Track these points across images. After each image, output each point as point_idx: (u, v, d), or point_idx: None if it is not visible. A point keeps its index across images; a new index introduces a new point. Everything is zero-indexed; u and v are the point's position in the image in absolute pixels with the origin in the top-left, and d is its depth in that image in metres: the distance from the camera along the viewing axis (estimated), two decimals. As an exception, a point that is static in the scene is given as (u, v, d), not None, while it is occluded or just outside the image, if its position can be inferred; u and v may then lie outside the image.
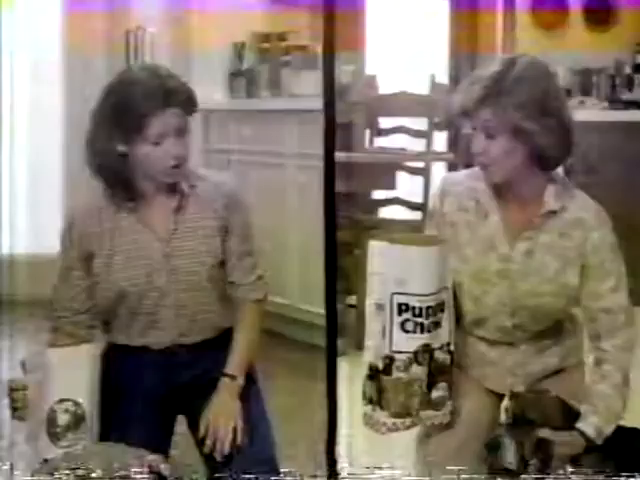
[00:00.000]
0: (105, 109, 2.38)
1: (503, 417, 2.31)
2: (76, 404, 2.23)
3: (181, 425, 2.61)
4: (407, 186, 5.28)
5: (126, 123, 2.34)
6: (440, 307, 2.28)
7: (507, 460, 2.22)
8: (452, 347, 2.31)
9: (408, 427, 2.31)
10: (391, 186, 5.13)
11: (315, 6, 5.29)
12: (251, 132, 5.15)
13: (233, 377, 2.48)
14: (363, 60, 6.32)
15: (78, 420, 2.23)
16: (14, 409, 2.25)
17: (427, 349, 2.26)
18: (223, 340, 2.53)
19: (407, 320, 2.25)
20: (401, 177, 5.14)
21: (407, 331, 2.25)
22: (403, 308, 2.24)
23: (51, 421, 2.21)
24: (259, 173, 4.88)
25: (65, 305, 2.50)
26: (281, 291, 4.72)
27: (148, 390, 2.50)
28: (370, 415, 2.29)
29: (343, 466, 2.82)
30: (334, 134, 2.76)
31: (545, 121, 2.23)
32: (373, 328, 2.28)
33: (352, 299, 4.80)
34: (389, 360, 2.25)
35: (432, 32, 7.05)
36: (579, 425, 2.25)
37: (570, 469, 2.26)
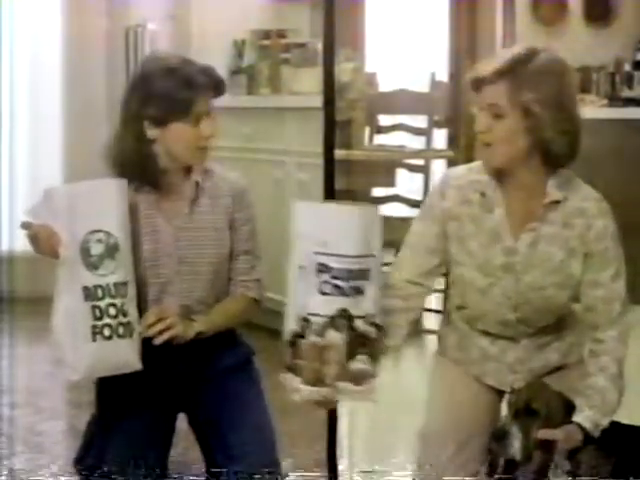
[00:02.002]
0: (139, 97, 2.44)
1: (506, 409, 2.31)
2: (108, 234, 2.32)
3: (182, 422, 2.62)
4: (407, 183, 5.29)
5: (168, 107, 2.42)
6: (363, 273, 2.19)
7: (513, 450, 2.22)
8: (378, 320, 2.21)
9: (325, 397, 2.21)
10: (391, 183, 5.13)
11: (315, 3, 5.29)
12: (251, 129, 5.15)
13: (192, 320, 2.47)
14: (363, 58, 6.32)
15: (111, 249, 2.33)
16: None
17: (345, 315, 2.18)
18: (222, 337, 2.53)
19: (325, 282, 2.18)
20: (401, 174, 5.15)
21: (324, 293, 2.18)
22: (322, 269, 2.18)
23: (86, 251, 2.31)
24: (259, 170, 4.88)
25: None
26: (281, 288, 4.71)
27: (148, 385, 2.50)
28: (287, 381, 2.22)
29: (343, 463, 2.83)
30: (334, 131, 2.76)
31: (556, 116, 2.24)
32: (295, 292, 2.23)
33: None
34: (305, 322, 2.19)
35: (432, 29, 7.05)
36: (576, 418, 2.25)
37: (567, 466, 2.26)
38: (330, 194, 2.75)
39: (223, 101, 5.10)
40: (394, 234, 5.18)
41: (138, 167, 2.46)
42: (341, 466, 2.79)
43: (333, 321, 2.17)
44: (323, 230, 2.20)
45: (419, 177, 5.04)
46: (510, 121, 2.24)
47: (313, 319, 2.18)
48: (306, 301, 2.20)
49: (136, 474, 2.44)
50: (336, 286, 2.18)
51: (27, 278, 5.35)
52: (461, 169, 2.45)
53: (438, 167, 5.23)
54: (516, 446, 2.22)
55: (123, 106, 2.49)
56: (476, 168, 2.38)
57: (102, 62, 5.67)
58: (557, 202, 2.31)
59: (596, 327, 2.33)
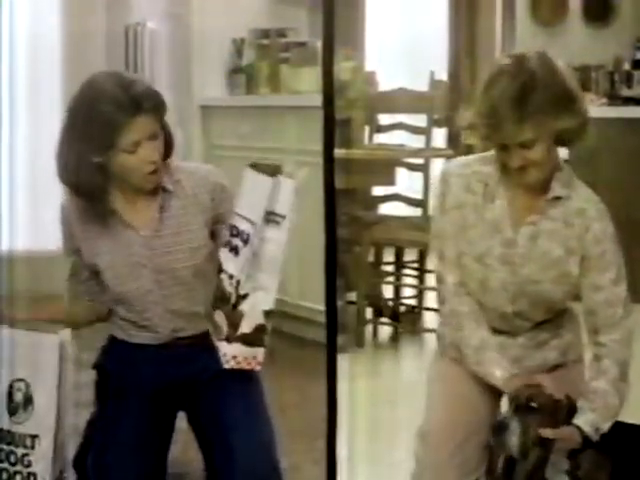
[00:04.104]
0: (75, 124, 2.40)
1: (507, 405, 2.31)
2: (27, 386, 2.40)
3: (182, 421, 2.62)
4: (406, 182, 5.29)
5: (99, 136, 2.34)
6: (241, 235, 2.28)
7: (511, 443, 2.22)
8: (242, 290, 2.28)
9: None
10: (391, 182, 5.13)
11: (314, 2, 5.29)
12: (250, 128, 5.14)
13: None
14: (362, 57, 6.32)
15: (27, 401, 2.40)
16: None
17: (217, 263, 2.33)
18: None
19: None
20: (400, 173, 5.15)
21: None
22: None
23: (9, 396, 2.41)
24: (258, 169, 4.87)
25: (81, 294, 2.57)
26: (281, 288, 4.70)
27: (147, 385, 2.50)
28: None
29: (343, 462, 2.83)
30: (333, 131, 2.75)
31: (572, 110, 2.25)
32: None
33: (352, 296, 4.81)
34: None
35: (431, 28, 7.05)
36: (576, 421, 2.26)
37: (567, 465, 2.26)
38: (330, 193, 2.74)
39: (223, 100, 5.06)
40: (394, 233, 5.20)
41: (93, 197, 2.43)
42: (340, 464, 2.78)
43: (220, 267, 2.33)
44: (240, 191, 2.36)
45: (419, 176, 5.03)
46: (541, 146, 2.24)
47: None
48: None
49: (135, 473, 2.44)
50: (225, 233, 2.34)
51: (27, 277, 5.34)
52: (465, 159, 2.45)
53: (438, 166, 5.23)
54: (514, 441, 2.22)
55: (64, 130, 2.43)
56: (480, 159, 2.38)
57: (102, 60, 5.66)
58: (559, 198, 2.32)
59: (597, 331, 2.33)
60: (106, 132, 2.33)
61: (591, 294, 2.33)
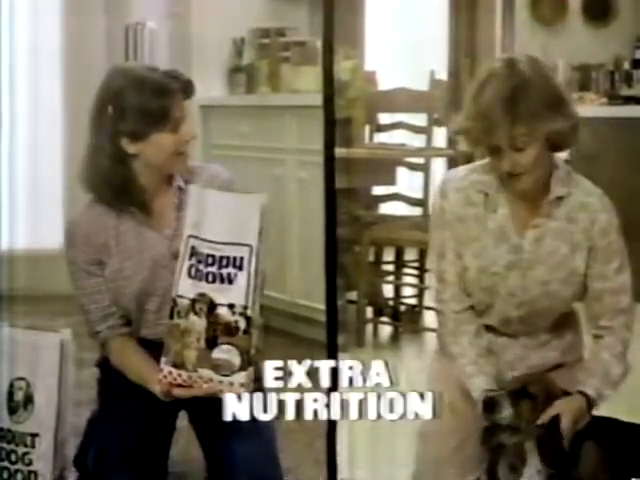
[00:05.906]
0: (113, 114, 2.40)
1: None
2: (28, 385, 2.41)
3: (182, 420, 2.62)
4: (407, 182, 5.29)
5: (147, 119, 2.37)
6: (232, 262, 2.21)
7: (501, 414, 2.21)
8: (250, 312, 2.21)
9: (186, 382, 2.24)
10: (391, 182, 5.13)
11: (314, 1, 5.29)
12: (251, 128, 5.15)
13: None
14: (362, 56, 6.32)
15: (27, 400, 2.41)
16: None
17: (204, 299, 2.22)
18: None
19: (192, 265, 2.24)
20: (401, 173, 5.15)
21: (191, 277, 2.23)
22: (192, 252, 2.24)
23: (10, 395, 2.42)
24: (259, 169, 4.88)
25: (101, 317, 2.50)
26: (281, 287, 4.72)
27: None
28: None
29: (343, 463, 2.83)
30: (334, 130, 2.75)
31: (563, 113, 2.24)
32: (175, 273, 2.28)
33: (352, 295, 4.81)
34: (173, 303, 2.24)
35: (431, 27, 7.05)
36: (579, 387, 2.27)
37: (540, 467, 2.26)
38: (330, 192, 2.74)
39: (223, 99, 5.06)
40: (394, 232, 5.20)
41: (120, 189, 2.43)
42: (340, 465, 2.78)
43: (193, 304, 2.21)
44: (199, 214, 2.26)
45: (419, 175, 5.03)
46: (534, 149, 2.23)
47: (179, 301, 2.24)
48: (177, 283, 2.25)
49: (136, 472, 2.44)
50: (200, 270, 2.23)
51: (27, 276, 5.35)
52: (461, 170, 2.45)
53: (438, 165, 5.23)
54: (504, 412, 2.21)
55: (95, 126, 2.43)
56: (477, 168, 2.38)
57: (102, 60, 5.66)
58: (561, 198, 2.32)
59: (599, 317, 2.35)
60: (157, 112, 2.37)
61: (596, 283, 2.34)
